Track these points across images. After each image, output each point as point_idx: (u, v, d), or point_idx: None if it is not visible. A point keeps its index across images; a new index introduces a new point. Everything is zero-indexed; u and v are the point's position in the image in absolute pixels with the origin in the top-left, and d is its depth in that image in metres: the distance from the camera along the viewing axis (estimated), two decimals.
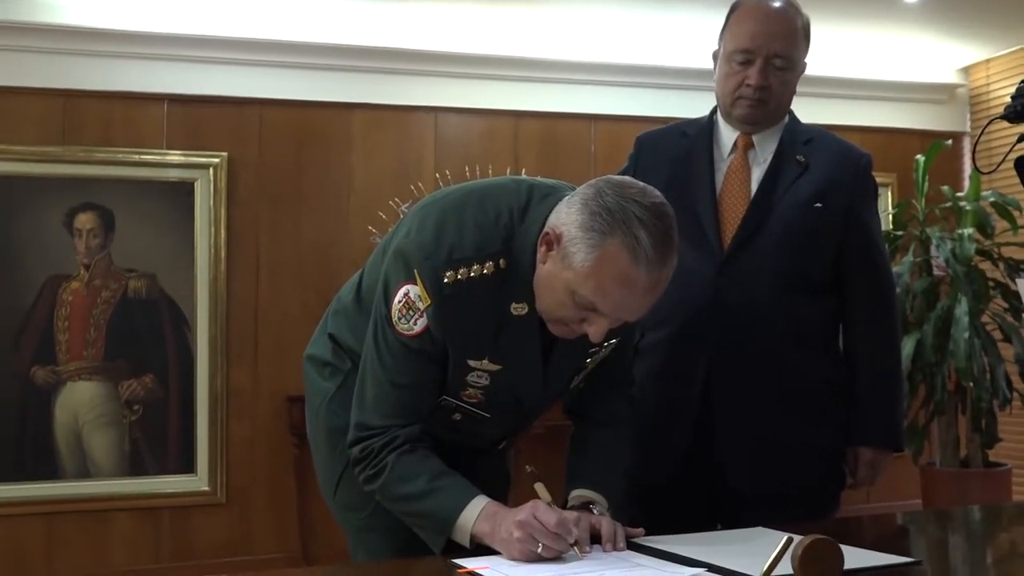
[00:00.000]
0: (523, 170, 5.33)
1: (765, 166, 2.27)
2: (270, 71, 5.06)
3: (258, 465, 5.05)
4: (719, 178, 2.28)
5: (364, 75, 5.25)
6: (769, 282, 2.19)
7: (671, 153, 2.34)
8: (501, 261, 1.72)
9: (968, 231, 5.23)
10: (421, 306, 1.73)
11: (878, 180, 6.47)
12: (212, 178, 5.02)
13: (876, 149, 6.09)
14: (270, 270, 5.13)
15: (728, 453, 2.18)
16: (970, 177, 5.90)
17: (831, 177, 2.25)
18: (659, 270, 1.60)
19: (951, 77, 6.40)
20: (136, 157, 4.93)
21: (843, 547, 1.27)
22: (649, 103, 5.70)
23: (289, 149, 5.16)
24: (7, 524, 4.65)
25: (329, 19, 5.17)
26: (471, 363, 1.78)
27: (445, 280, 1.70)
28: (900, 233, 5.57)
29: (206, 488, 4.96)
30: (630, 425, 1.99)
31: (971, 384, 5.22)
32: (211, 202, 5.01)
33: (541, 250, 1.68)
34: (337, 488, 1.98)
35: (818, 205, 2.22)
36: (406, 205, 5.07)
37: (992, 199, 5.26)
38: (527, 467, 1.72)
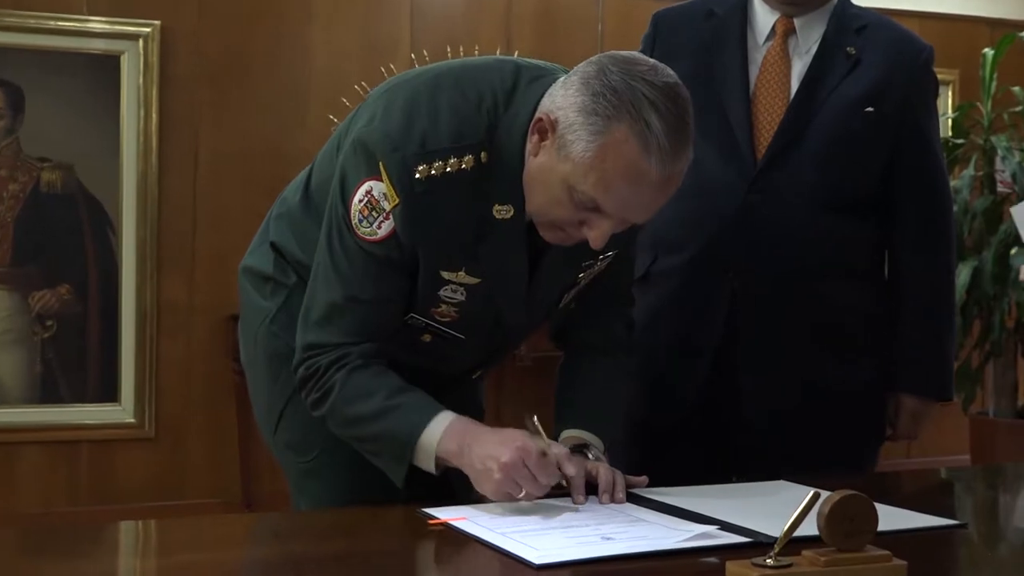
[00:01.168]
0: (516, 52, 5.27)
1: (808, 58, 2.23)
2: None
3: (193, 394, 5.07)
4: (753, 71, 2.24)
5: None
6: (808, 199, 2.18)
7: (696, 37, 2.29)
8: (483, 154, 1.71)
9: None
10: (387, 206, 1.71)
11: (938, 76, 6.45)
12: (142, 51, 4.97)
13: (936, 40, 6.01)
14: (210, 165, 5.09)
15: (752, 396, 2.19)
16: None
17: (886, 74, 2.22)
18: (673, 162, 1.59)
19: None
20: (51, 24, 4.86)
21: (877, 505, 1.27)
22: None
23: (235, 19, 5.10)
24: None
25: None
26: (445, 275, 1.77)
27: (416, 175, 1.69)
28: (960, 142, 5.56)
29: (131, 420, 4.98)
30: (630, 353, 2.00)
31: None
32: (140, 80, 4.96)
33: (532, 140, 1.67)
34: (278, 425, 1.98)
35: (869, 109, 2.20)
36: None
37: None
38: (528, 417, 1.70)
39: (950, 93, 6.17)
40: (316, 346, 1.78)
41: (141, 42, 4.96)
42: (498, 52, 5.25)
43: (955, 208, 5.42)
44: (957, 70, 6.15)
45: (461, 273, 1.77)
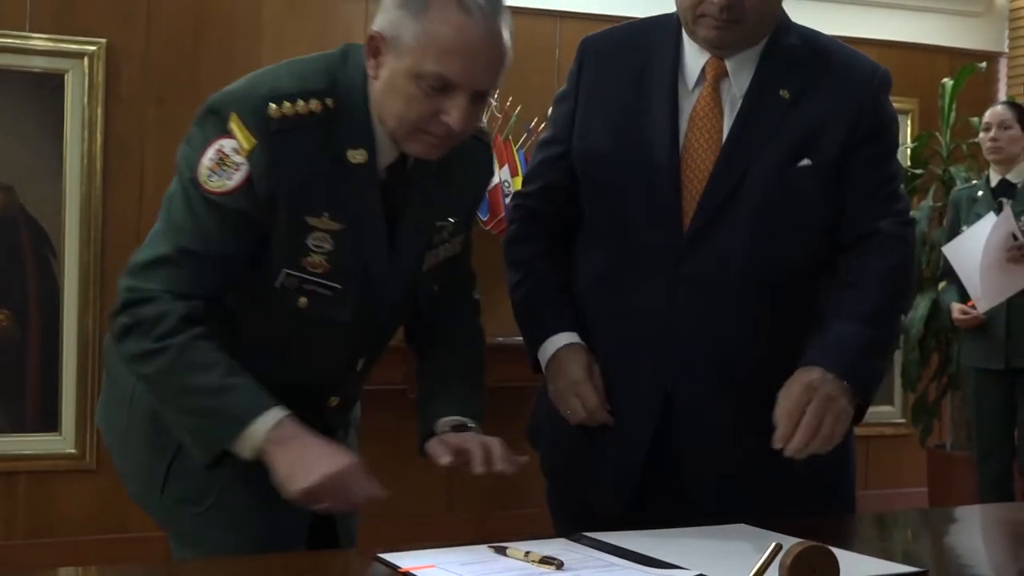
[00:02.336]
0: None
1: (739, 106, 2.01)
2: None
3: None
4: (683, 123, 2.02)
5: None
6: (740, 279, 1.97)
7: (624, 72, 2.08)
8: (328, 100, 1.85)
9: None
10: (239, 159, 1.81)
11: (897, 106, 6.48)
12: (87, 70, 4.91)
13: (895, 69, 6.06)
14: (157, 186, 5.00)
15: (696, 489, 2.03)
16: None
17: (828, 112, 1.98)
18: (493, 17, 1.79)
19: None
20: None
21: (838, 551, 1.30)
22: (627, 1, 5.64)
23: (184, 37, 5.07)
24: None
25: None
26: (310, 221, 1.85)
27: (270, 114, 1.80)
28: (919, 172, 5.62)
29: (72, 451, 4.91)
30: (483, 341, 2.20)
31: None
32: (85, 100, 4.91)
33: (370, 64, 1.84)
34: (165, 483, 1.98)
35: (805, 163, 1.97)
36: None
37: None
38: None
39: (909, 123, 6.22)
40: (137, 290, 1.82)
41: (86, 60, 4.90)
42: None
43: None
44: (916, 99, 6.21)
45: (324, 218, 1.86)
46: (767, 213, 1.97)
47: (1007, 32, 6.44)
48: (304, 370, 1.99)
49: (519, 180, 5.09)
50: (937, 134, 5.73)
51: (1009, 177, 4.74)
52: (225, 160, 1.82)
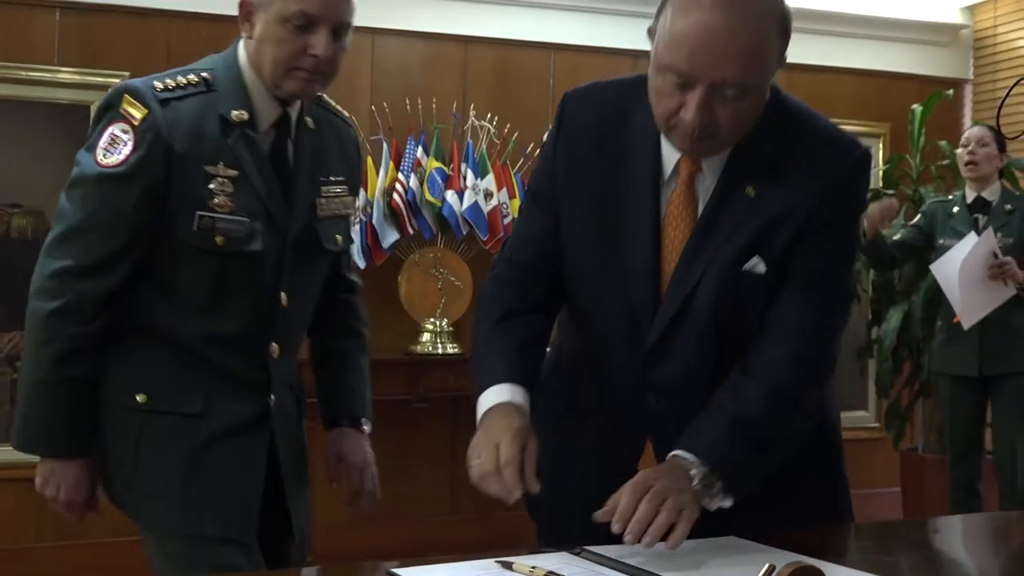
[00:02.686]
0: (471, 104, 5.30)
1: (708, 205, 1.79)
2: None
3: None
4: (662, 209, 1.80)
5: None
6: (710, 383, 1.78)
7: (606, 151, 1.83)
8: (204, 74, 2.11)
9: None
10: (130, 132, 2.03)
11: (869, 130, 6.47)
12: None
13: (869, 95, 6.21)
14: None
15: None
16: None
17: (786, 208, 1.74)
18: None
19: (954, 17, 6.45)
20: (21, 74, 4.82)
21: (827, 565, 1.29)
22: (618, 33, 5.66)
23: None
24: None
25: None
26: (208, 169, 2.06)
27: (155, 87, 2.05)
28: (891, 192, 5.65)
29: None
30: (366, 329, 2.46)
31: None
32: None
33: (244, 28, 2.10)
34: (136, 474, 2.15)
35: (754, 264, 1.76)
36: None
37: None
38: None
39: (881, 146, 6.25)
40: (61, 273, 2.04)
41: None
42: (454, 105, 5.28)
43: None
44: (888, 124, 6.25)
45: (220, 166, 2.07)
46: (721, 317, 1.77)
47: (972, 61, 6.47)
48: (239, 315, 2.14)
49: (516, 203, 5.13)
50: (907, 156, 5.77)
51: (984, 195, 4.74)
52: (116, 140, 2.04)
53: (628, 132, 1.81)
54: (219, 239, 2.06)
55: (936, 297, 5.28)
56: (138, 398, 2.10)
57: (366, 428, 2.40)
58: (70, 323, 2.04)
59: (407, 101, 5.26)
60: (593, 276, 1.85)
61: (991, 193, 4.73)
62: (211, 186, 2.05)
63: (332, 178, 2.26)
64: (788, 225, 1.74)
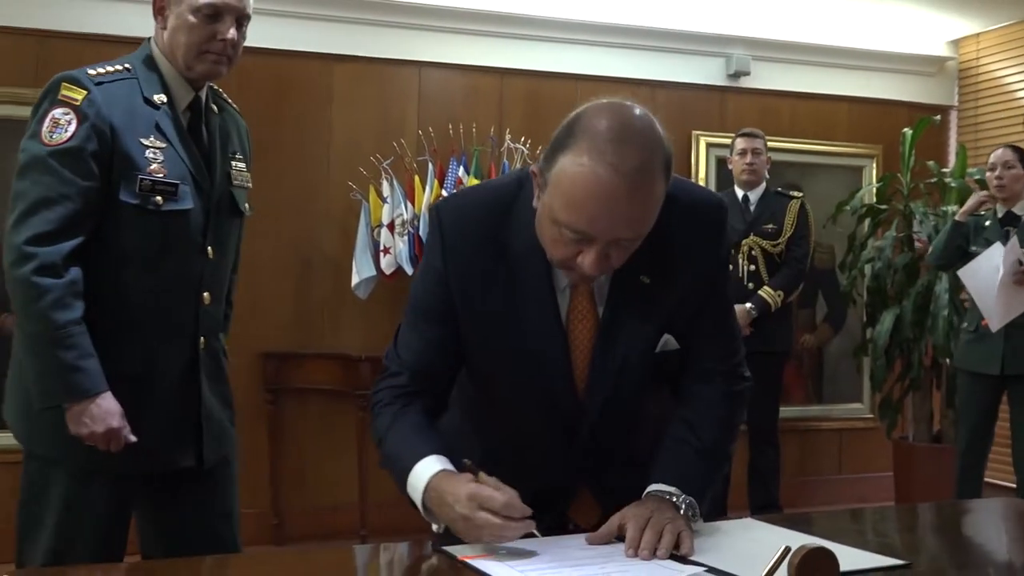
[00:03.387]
0: (507, 129, 5.32)
1: (607, 295, 1.70)
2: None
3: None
4: (562, 311, 1.69)
5: (347, 26, 5.20)
6: (640, 449, 1.76)
7: (495, 274, 1.67)
8: (126, 65, 2.25)
9: (952, 208, 5.30)
10: (71, 113, 2.12)
11: (863, 151, 6.47)
12: None
13: (863, 120, 6.20)
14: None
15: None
16: (956, 153, 5.95)
17: (683, 285, 1.69)
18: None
19: (941, 50, 6.42)
20: None
21: (832, 545, 1.27)
22: (635, 65, 5.70)
23: (267, 100, 5.09)
24: None
25: None
26: (143, 141, 2.19)
27: (89, 74, 2.17)
28: (884, 207, 5.64)
29: None
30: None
31: (948, 360, 5.30)
32: None
33: (159, 21, 2.28)
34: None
35: (672, 347, 1.71)
36: (387, 162, 5.05)
37: (977, 176, 5.32)
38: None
39: (874, 165, 6.24)
40: (30, 240, 2.08)
41: None
42: (492, 130, 5.30)
43: (879, 264, 5.49)
44: (881, 145, 6.22)
45: (152, 139, 2.20)
46: (645, 394, 1.75)
47: (957, 89, 6.44)
48: (176, 268, 2.25)
49: None
50: (899, 175, 5.74)
51: (1015, 210, 4.62)
52: (58, 122, 2.13)
53: (512, 236, 1.65)
54: (158, 199, 2.19)
55: (925, 303, 5.27)
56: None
57: None
58: (49, 276, 2.09)
59: (450, 126, 5.29)
60: (502, 376, 1.73)
61: (1021, 208, 4.63)
62: (147, 154, 2.18)
63: (237, 155, 2.42)
64: (690, 303, 1.70)
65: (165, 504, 2.33)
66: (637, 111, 1.52)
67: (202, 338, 2.31)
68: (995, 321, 4.46)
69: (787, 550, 1.26)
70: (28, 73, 4.66)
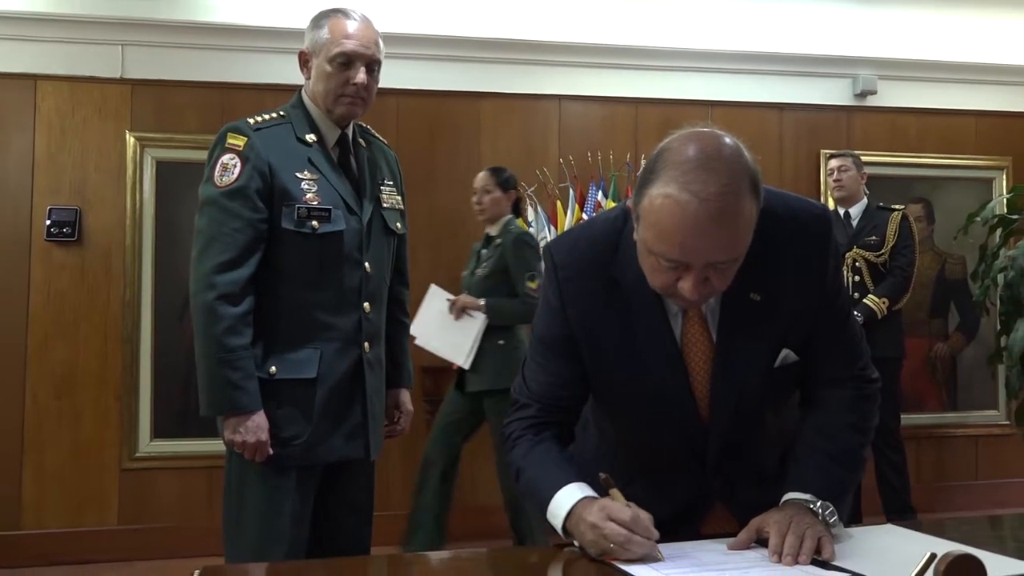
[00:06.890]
0: (642, 155, 5.31)
1: (718, 317, 1.63)
2: (406, 63, 5.12)
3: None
4: (677, 337, 1.64)
5: (493, 66, 5.30)
6: (768, 458, 1.73)
7: (612, 309, 1.64)
8: (281, 112, 2.39)
9: None
10: (236, 158, 2.27)
11: (993, 163, 6.21)
12: None
13: (991, 132, 5.94)
14: (411, 238, 5.20)
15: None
16: None
17: (795, 301, 1.62)
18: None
19: None
20: None
21: (981, 552, 1.20)
22: (764, 89, 5.61)
23: (423, 135, 5.24)
24: (177, 476, 4.91)
25: (461, 13, 5.23)
26: (299, 175, 2.32)
27: (250, 122, 2.34)
28: (1015, 217, 5.38)
29: None
30: (407, 319, 2.69)
31: None
32: None
33: (304, 73, 2.44)
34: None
35: (792, 359, 1.65)
36: (532, 189, 5.11)
37: None
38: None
39: (1004, 176, 5.96)
40: (212, 270, 2.23)
41: None
42: (628, 156, 5.30)
43: (1011, 273, 5.25)
44: (1010, 157, 5.95)
45: (306, 173, 2.33)
46: (769, 407, 1.71)
47: None
48: (340, 282, 2.35)
49: None
50: None
51: None
52: (226, 166, 2.28)
53: (621, 268, 1.60)
54: (314, 224, 2.30)
55: None
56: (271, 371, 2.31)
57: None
58: (228, 304, 2.23)
59: (588, 154, 5.31)
60: (626, 405, 1.70)
61: None
62: (303, 185, 2.31)
63: (386, 181, 2.52)
64: (804, 316, 1.63)
65: (324, 495, 2.43)
66: (717, 136, 1.45)
67: (365, 343, 2.41)
68: None
69: (932, 556, 1.19)
70: (214, 121, 4.91)
